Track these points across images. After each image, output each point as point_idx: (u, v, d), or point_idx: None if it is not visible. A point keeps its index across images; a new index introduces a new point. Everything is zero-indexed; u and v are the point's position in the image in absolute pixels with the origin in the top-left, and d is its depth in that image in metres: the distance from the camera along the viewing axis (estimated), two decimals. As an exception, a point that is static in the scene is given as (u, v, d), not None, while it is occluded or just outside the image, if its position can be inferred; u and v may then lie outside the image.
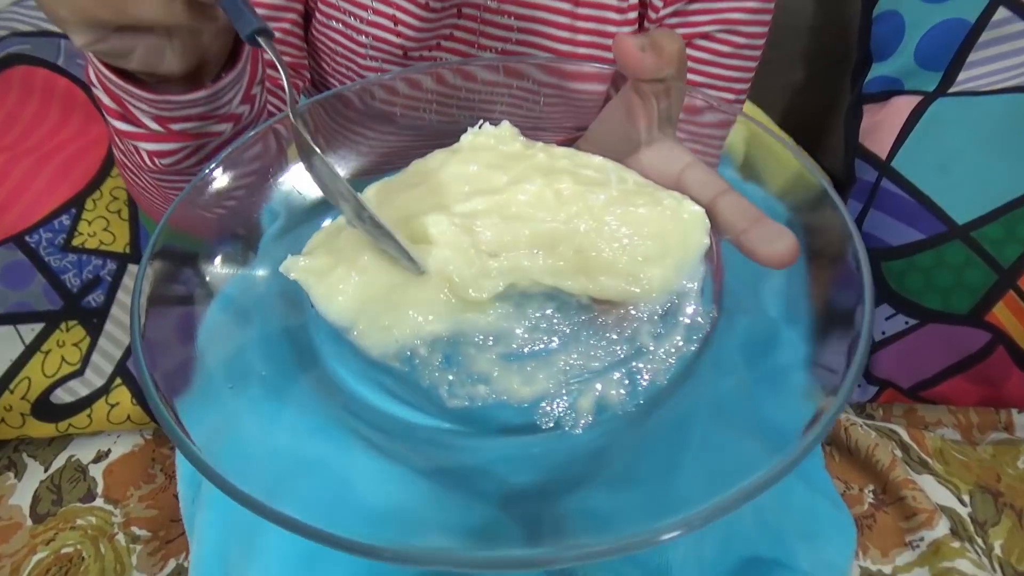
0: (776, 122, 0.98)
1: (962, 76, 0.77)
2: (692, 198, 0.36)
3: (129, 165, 0.50)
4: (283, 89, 0.38)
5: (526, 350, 0.34)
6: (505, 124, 0.41)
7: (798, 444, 0.27)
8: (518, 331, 0.34)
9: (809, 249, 0.35)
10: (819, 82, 0.98)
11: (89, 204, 0.81)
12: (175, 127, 0.44)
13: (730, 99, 0.61)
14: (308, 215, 0.44)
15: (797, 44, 0.96)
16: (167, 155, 0.46)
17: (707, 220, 0.35)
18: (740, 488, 0.25)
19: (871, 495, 0.70)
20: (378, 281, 0.35)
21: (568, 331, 0.35)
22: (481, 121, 0.42)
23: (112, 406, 0.76)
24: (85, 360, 0.75)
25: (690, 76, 0.59)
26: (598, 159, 0.39)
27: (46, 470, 0.74)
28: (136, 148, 0.46)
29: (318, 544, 0.25)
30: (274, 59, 0.38)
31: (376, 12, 0.57)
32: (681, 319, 0.35)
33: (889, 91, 0.80)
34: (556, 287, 0.34)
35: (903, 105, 0.78)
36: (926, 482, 0.69)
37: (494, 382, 0.33)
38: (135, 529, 0.68)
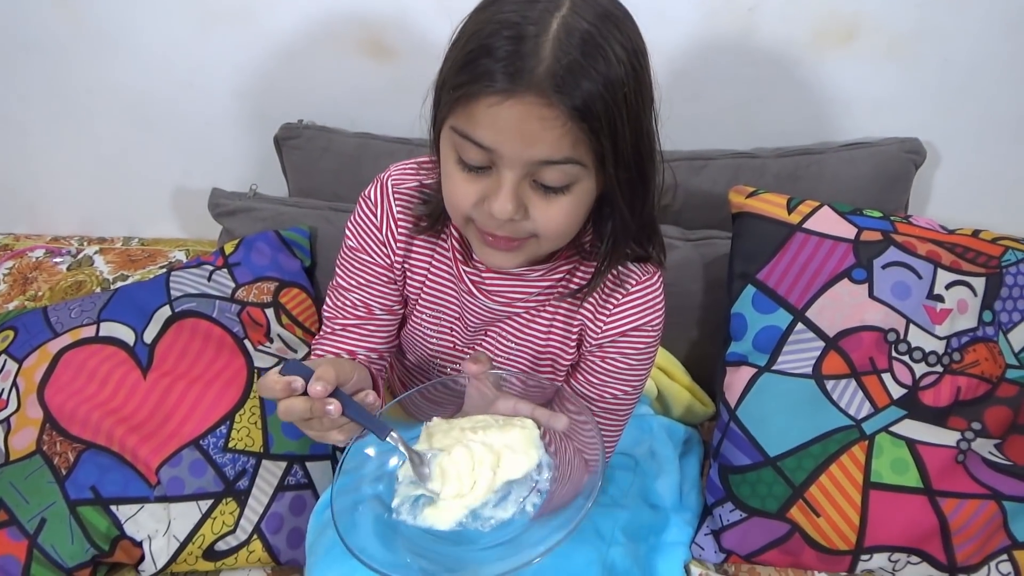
0: (683, 363, 1.47)
1: (780, 359, 1.25)
2: (524, 414, 0.85)
3: None
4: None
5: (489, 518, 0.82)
6: (435, 419, 0.89)
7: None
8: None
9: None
10: (712, 339, 1.48)
11: (237, 417, 1.28)
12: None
13: (628, 391, 1.08)
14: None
15: (696, 315, 1.46)
16: None
17: (536, 427, 0.84)
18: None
19: (715, 625, 1.15)
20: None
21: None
22: (433, 417, 0.90)
23: (250, 552, 1.21)
24: (236, 524, 1.21)
25: (596, 374, 1.05)
26: (483, 416, 0.87)
27: (207, 592, 1.19)
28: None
29: None
30: (403, 448, 0.86)
31: (440, 327, 1.06)
32: (536, 480, 0.82)
33: (740, 362, 1.29)
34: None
35: (746, 373, 1.27)
36: (751, 617, 1.14)
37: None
38: (264, 633, 1.13)
